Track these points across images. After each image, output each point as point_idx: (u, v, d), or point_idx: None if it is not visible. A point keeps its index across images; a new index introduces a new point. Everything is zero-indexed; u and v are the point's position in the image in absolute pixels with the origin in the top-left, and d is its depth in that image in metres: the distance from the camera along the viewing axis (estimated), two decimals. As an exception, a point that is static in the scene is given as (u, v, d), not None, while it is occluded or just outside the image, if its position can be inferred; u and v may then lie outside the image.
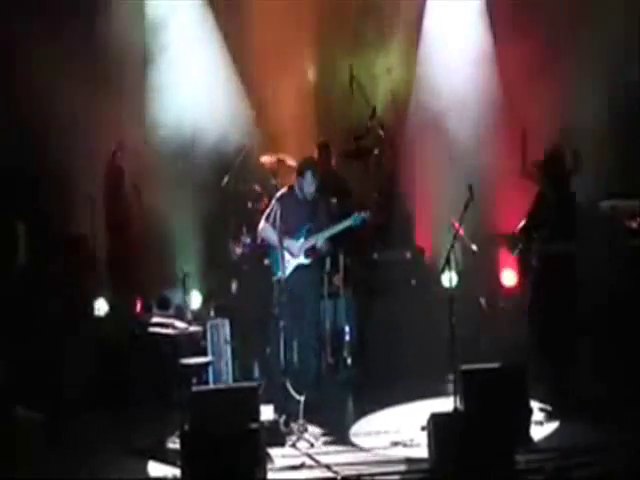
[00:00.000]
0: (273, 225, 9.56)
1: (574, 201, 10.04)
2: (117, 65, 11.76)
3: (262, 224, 9.87)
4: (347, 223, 9.84)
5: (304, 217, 9.83)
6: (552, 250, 9.57)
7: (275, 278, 9.68)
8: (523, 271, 10.22)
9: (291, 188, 9.93)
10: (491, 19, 12.27)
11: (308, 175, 9.80)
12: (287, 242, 9.62)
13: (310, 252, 9.85)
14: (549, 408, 9.02)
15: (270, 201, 10.30)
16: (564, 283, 9.59)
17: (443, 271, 9.06)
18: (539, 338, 9.69)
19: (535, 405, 8.74)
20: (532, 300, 9.90)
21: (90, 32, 11.59)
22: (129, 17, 11.98)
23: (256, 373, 10.63)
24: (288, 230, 9.64)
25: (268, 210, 9.83)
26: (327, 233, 9.82)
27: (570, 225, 9.65)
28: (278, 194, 9.97)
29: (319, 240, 9.79)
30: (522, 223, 9.89)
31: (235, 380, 10.44)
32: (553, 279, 9.61)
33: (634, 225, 11.27)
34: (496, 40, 12.19)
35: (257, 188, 11.66)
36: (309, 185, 9.81)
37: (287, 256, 9.62)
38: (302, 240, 9.82)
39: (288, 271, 9.63)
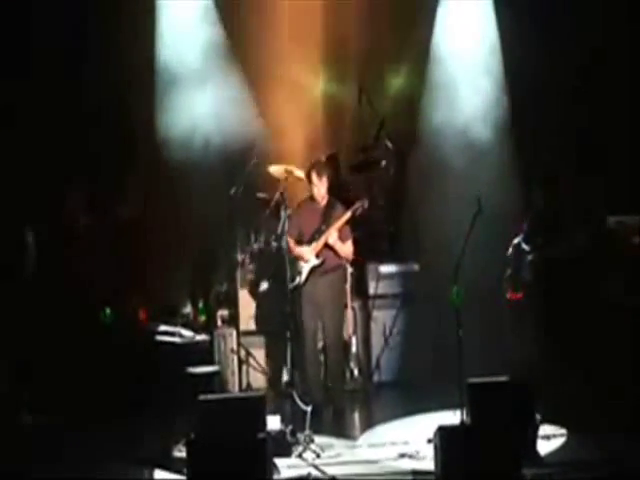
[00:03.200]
0: (289, 234, 10.06)
1: (561, 215, 10.16)
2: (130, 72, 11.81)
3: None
4: (349, 214, 10.02)
5: (317, 221, 10.09)
6: (541, 261, 9.68)
7: (291, 285, 9.94)
8: (526, 283, 10.28)
9: (311, 196, 10.20)
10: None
11: (312, 177, 10.08)
12: (299, 249, 10.05)
13: (320, 252, 10.03)
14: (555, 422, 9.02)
15: (278, 211, 10.40)
16: (555, 292, 9.68)
17: (451, 283, 9.05)
18: (540, 350, 9.74)
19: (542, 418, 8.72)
20: (531, 311, 10.03)
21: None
22: (142, 29, 12.03)
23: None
24: (303, 237, 10.08)
25: (286, 222, 10.13)
26: (334, 228, 9.97)
27: (555, 238, 9.77)
28: (297, 203, 10.39)
29: (330, 237, 9.93)
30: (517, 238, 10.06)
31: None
32: (544, 288, 9.71)
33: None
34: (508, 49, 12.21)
35: (265, 198, 11.68)
36: (315, 187, 10.06)
37: (301, 262, 10.02)
38: (314, 244, 10.00)
39: (303, 277, 10.00)
